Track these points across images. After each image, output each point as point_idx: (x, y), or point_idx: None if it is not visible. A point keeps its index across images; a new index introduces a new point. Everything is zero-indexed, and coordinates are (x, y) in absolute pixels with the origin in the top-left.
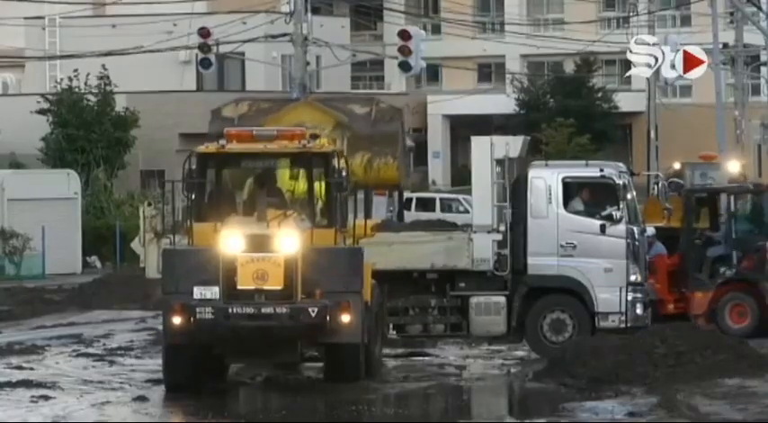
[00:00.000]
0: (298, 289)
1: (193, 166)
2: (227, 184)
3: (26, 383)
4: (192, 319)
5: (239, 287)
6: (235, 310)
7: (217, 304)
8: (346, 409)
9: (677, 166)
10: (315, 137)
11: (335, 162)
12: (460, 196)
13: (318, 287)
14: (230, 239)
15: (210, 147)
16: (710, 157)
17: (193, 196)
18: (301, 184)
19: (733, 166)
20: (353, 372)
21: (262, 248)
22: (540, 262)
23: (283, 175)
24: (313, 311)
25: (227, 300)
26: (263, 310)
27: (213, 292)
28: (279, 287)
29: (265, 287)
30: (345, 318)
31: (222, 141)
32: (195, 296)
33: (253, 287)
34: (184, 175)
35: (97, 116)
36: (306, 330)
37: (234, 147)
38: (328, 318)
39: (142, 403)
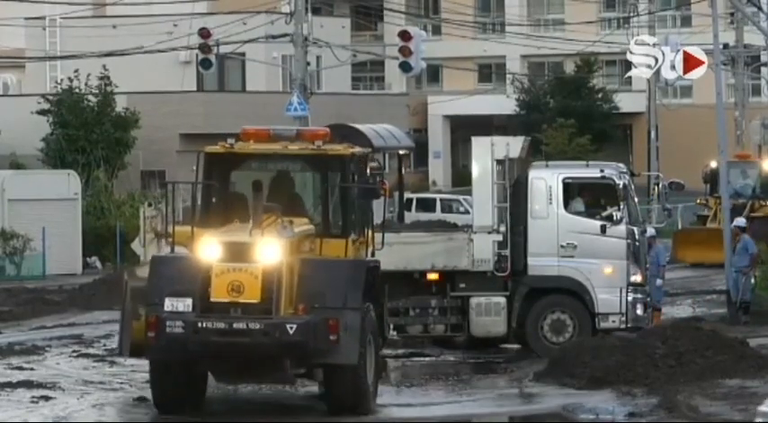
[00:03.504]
0: (280, 303)
1: (201, 167)
2: (234, 186)
3: (27, 384)
4: (162, 333)
5: (213, 299)
6: (204, 325)
7: (188, 318)
8: None
9: (713, 164)
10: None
11: (352, 166)
12: (461, 197)
13: (310, 301)
14: (207, 247)
15: (218, 147)
16: (746, 156)
17: (199, 199)
18: (314, 190)
19: (767, 165)
20: (353, 397)
21: (240, 257)
22: (541, 262)
23: (295, 178)
24: (291, 328)
25: (201, 313)
26: (235, 326)
27: (186, 304)
28: (255, 300)
29: (241, 300)
30: (333, 336)
31: (231, 141)
32: (166, 308)
33: (227, 300)
34: (197, 177)
35: (97, 116)
36: (283, 349)
37: (243, 147)
38: (313, 336)
39: (142, 404)
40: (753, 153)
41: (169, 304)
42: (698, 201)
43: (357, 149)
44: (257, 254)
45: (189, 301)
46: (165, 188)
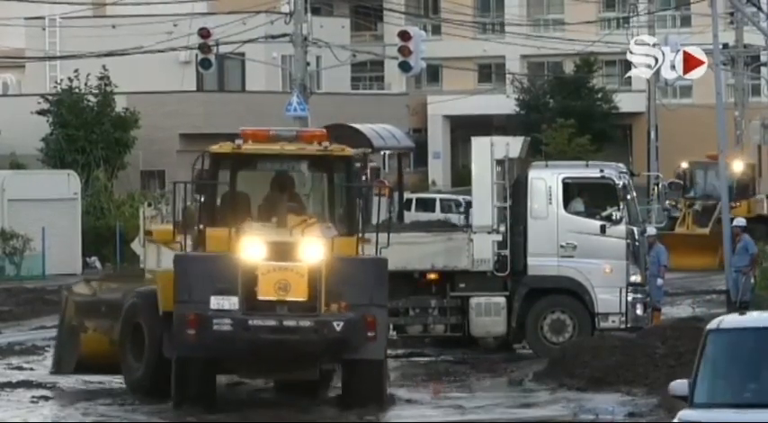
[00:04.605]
0: (322, 301)
1: (206, 167)
2: (240, 186)
3: (26, 384)
4: (208, 330)
5: (260, 298)
6: (255, 323)
7: (236, 315)
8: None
9: (684, 164)
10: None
11: (356, 166)
12: (460, 197)
13: (343, 299)
14: (251, 246)
15: (225, 146)
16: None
17: (204, 199)
18: (321, 189)
19: (737, 166)
20: (375, 391)
21: (285, 257)
22: (541, 262)
23: (301, 178)
24: (338, 325)
25: (247, 311)
26: (286, 323)
27: (232, 302)
28: (302, 299)
29: (288, 298)
30: (371, 333)
31: (239, 141)
32: (212, 306)
33: (274, 298)
34: (194, 177)
35: (97, 116)
36: (329, 345)
37: (251, 147)
38: (356, 332)
39: (142, 403)
40: (753, 152)
41: (215, 302)
42: (668, 202)
43: (354, 150)
44: (303, 253)
45: (235, 299)
46: (174, 187)
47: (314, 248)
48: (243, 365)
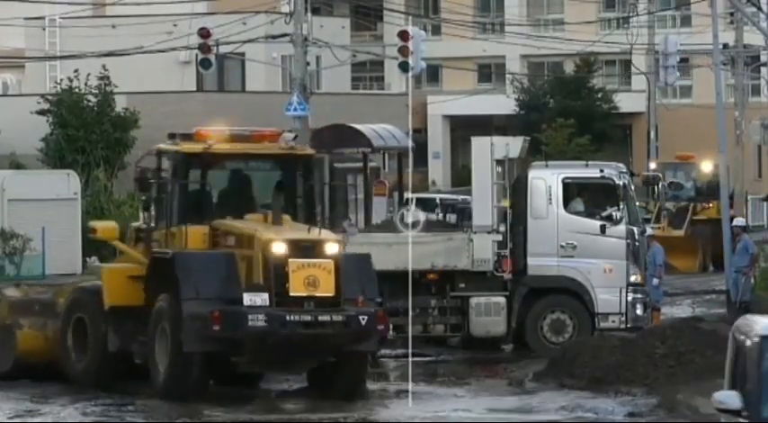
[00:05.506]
0: (342, 296)
1: (165, 166)
2: (207, 185)
3: (26, 384)
4: (240, 326)
5: (291, 294)
6: (293, 318)
7: (270, 311)
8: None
9: (653, 165)
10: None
11: (316, 165)
12: (460, 197)
13: (355, 294)
14: (277, 244)
15: (196, 146)
16: (687, 158)
17: (174, 198)
18: (285, 187)
19: (706, 167)
20: (361, 382)
21: (312, 254)
22: (540, 262)
23: (266, 177)
24: (363, 320)
25: (276, 307)
26: (320, 318)
27: (263, 298)
28: (330, 294)
29: (317, 294)
30: (381, 326)
31: (210, 141)
32: (246, 303)
33: (304, 294)
34: (137, 174)
35: (97, 117)
36: (354, 339)
37: (221, 147)
38: (374, 326)
39: (142, 403)
40: (753, 153)
41: (248, 299)
42: (638, 204)
43: (351, 149)
44: (328, 250)
45: (265, 295)
46: (139, 185)
47: (336, 245)
48: (256, 360)
